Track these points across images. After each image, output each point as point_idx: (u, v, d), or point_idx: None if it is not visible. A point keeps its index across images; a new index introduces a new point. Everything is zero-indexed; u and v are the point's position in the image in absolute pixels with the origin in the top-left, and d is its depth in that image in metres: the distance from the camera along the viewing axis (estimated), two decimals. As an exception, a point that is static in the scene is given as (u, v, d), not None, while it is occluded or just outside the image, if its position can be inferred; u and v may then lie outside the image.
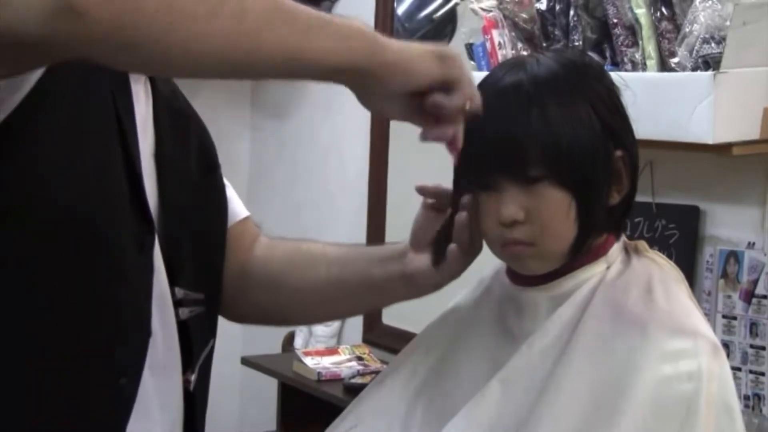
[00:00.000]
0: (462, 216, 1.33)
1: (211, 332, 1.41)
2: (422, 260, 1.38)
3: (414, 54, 1.16)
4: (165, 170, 1.32)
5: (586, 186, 1.26)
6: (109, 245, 1.20)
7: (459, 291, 1.45)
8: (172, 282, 1.31)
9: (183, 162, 1.37)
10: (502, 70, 1.30)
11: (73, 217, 1.17)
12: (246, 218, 1.49)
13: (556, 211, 1.26)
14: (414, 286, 1.41)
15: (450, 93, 1.18)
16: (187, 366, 1.34)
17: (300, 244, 1.52)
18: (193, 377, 1.35)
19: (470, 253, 1.36)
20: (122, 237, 1.22)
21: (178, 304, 1.32)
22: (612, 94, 1.31)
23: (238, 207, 1.48)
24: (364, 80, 1.14)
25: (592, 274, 1.31)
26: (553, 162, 1.25)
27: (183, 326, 1.33)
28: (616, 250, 1.33)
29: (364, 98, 1.19)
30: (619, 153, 1.30)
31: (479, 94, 1.21)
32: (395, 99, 1.18)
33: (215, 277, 1.42)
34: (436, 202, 1.38)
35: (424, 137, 1.22)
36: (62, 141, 1.16)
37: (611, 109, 1.29)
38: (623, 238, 1.36)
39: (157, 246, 1.28)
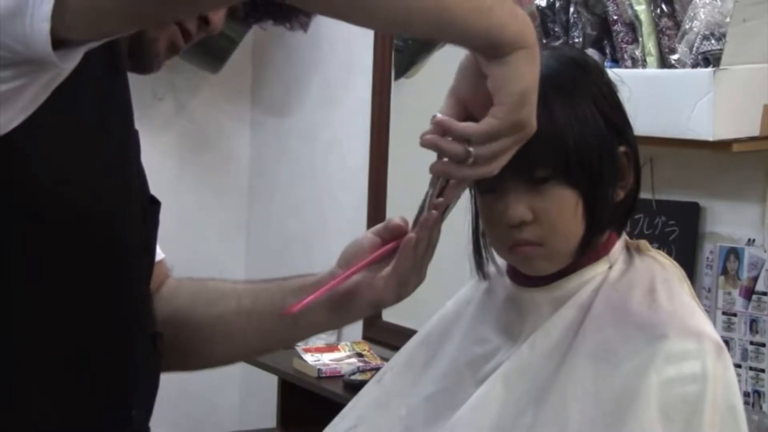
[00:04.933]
0: (409, 238, 1.29)
1: None
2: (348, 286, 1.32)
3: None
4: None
5: (593, 183, 1.26)
6: (124, 248, 1.17)
7: (459, 288, 1.45)
8: None
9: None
10: None
11: (94, 218, 1.13)
12: (161, 260, 1.43)
13: (564, 210, 1.26)
14: (336, 313, 1.35)
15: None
16: None
17: (207, 282, 1.46)
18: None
19: (407, 282, 1.30)
20: (134, 238, 1.19)
21: None
22: (611, 91, 1.31)
23: (158, 247, 1.43)
24: (496, 56, 1.11)
25: (595, 274, 1.31)
26: (560, 161, 1.24)
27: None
28: (618, 249, 1.33)
29: (474, 67, 1.14)
30: (622, 149, 1.30)
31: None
32: (484, 84, 1.13)
33: None
34: (386, 233, 1.33)
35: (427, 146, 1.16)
36: (85, 138, 1.13)
37: (612, 106, 1.29)
38: (624, 236, 1.35)
39: None
